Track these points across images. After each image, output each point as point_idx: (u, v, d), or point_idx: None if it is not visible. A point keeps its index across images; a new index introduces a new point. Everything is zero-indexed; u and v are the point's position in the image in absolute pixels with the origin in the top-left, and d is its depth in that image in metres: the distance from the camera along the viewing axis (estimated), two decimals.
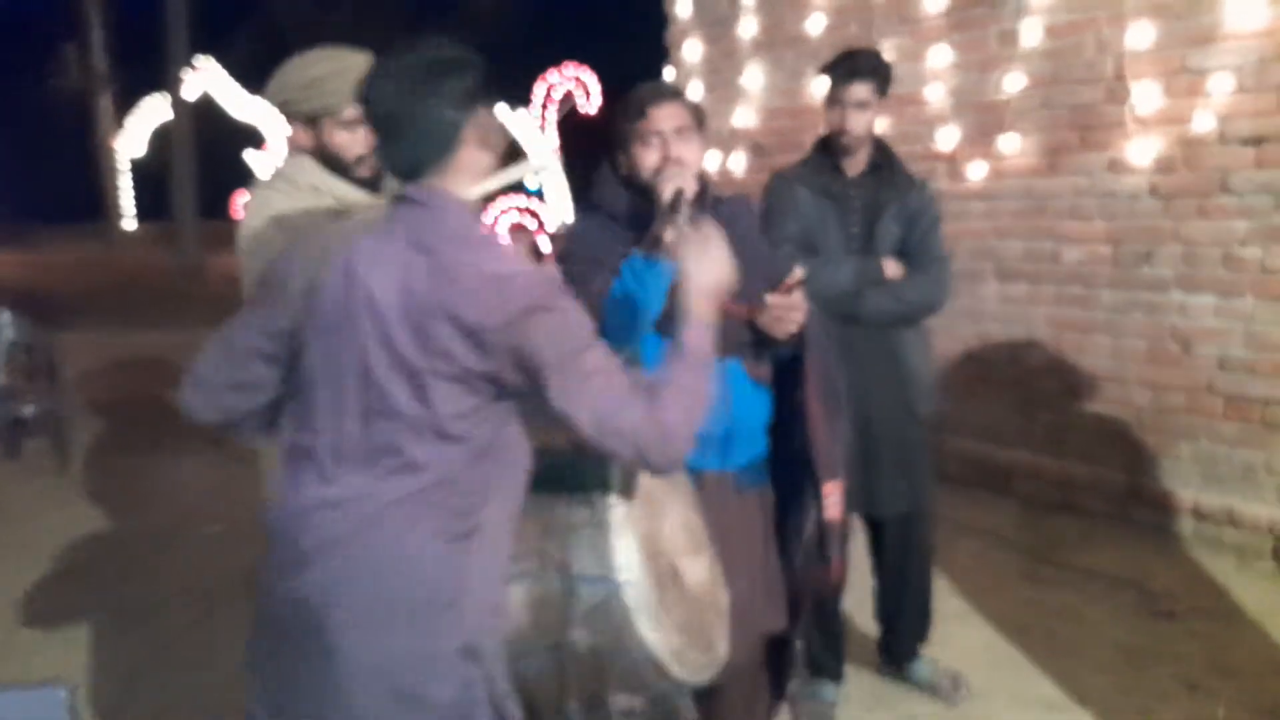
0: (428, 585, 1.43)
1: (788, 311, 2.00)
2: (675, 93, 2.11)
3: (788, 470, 2.17)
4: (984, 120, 4.56)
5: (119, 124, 18.18)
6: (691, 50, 6.22)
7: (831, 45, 5.30)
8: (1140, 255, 4.06)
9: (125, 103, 18.11)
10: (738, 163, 6.02)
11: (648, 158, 2.04)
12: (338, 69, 2.09)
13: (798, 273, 2.01)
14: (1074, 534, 4.16)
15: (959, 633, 3.27)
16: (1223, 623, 3.36)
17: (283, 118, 2.23)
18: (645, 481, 1.71)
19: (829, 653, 2.90)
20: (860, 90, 2.63)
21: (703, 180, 2.09)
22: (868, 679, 3.05)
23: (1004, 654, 3.20)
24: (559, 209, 9.28)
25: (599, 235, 2.11)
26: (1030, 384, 4.52)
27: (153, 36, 15.86)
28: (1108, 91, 4.08)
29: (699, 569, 1.71)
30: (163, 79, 16.41)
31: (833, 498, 2.12)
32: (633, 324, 1.93)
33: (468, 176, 1.54)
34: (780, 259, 2.23)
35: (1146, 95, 3.95)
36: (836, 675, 2.93)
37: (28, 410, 5.37)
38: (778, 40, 5.66)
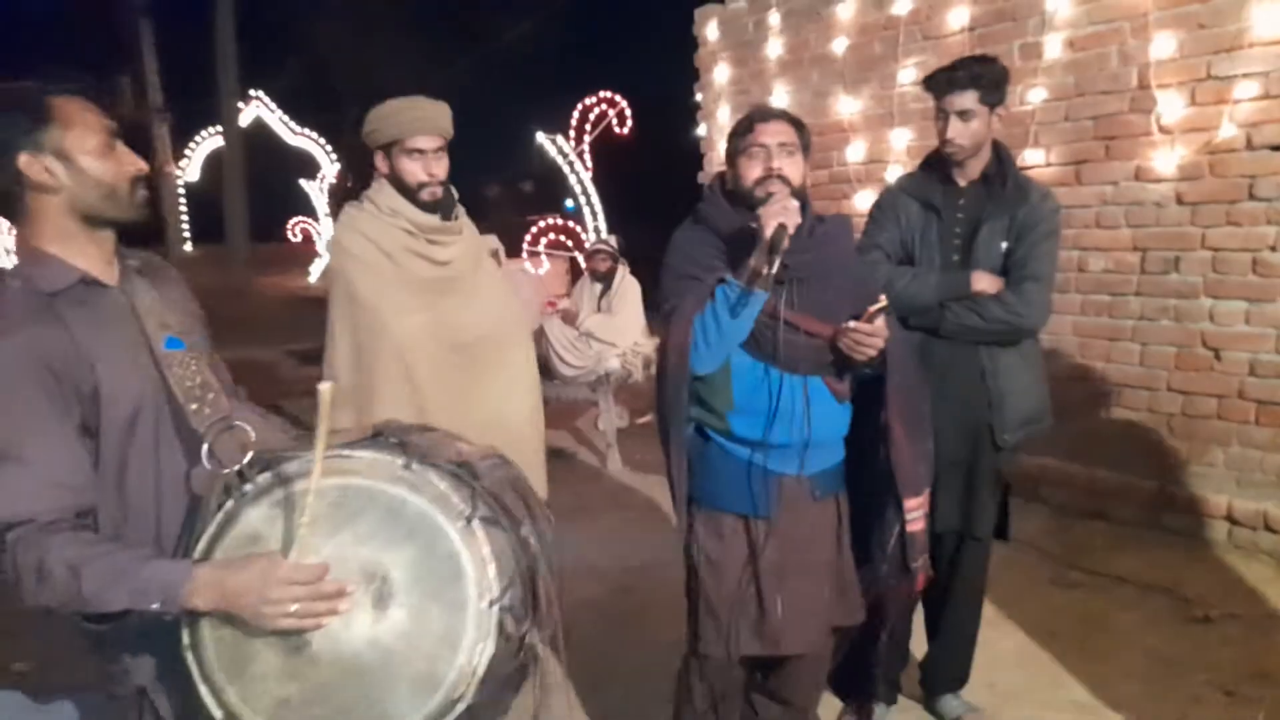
0: None
1: (867, 338, 2.01)
2: (784, 114, 2.14)
3: (871, 484, 2.20)
4: (1009, 133, 4.50)
5: (176, 153, 18.57)
6: (720, 72, 6.23)
7: (856, 64, 5.30)
8: (1168, 262, 3.99)
9: (181, 132, 18.51)
10: None
11: (751, 170, 2.09)
12: (409, 105, 2.45)
13: (881, 301, 2.00)
14: (1104, 541, 4.08)
15: (991, 637, 3.19)
16: (1260, 628, 3.25)
17: (370, 149, 2.52)
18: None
19: (885, 674, 2.82)
20: (960, 100, 2.47)
21: (802, 202, 2.06)
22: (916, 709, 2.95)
23: (1034, 659, 3.14)
24: (594, 229, 9.33)
25: (699, 250, 2.15)
26: (1058, 392, 4.35)
27: (205, 69, 16.19)
28: (1132, 102, 4.03)
29: (364, 626, 1.29)
30: (215, 109, 16.75)
31: (916, 512, 2.16)
32: (720, 344, 2.03)
33: (51, 226, 1.46)
34: (872, 282, 2.20)
35: (1171, 104, 3.89)
36: (889, 698, 2.87)
37: None
38: (804, 60, 5.65)
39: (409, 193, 2.48)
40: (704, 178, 6.55)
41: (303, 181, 15.37)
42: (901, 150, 5.07)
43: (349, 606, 1.30)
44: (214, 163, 17.80)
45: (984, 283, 2.52)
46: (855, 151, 5.38)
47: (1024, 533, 4.13)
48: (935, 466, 2.57)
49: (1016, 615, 3.41)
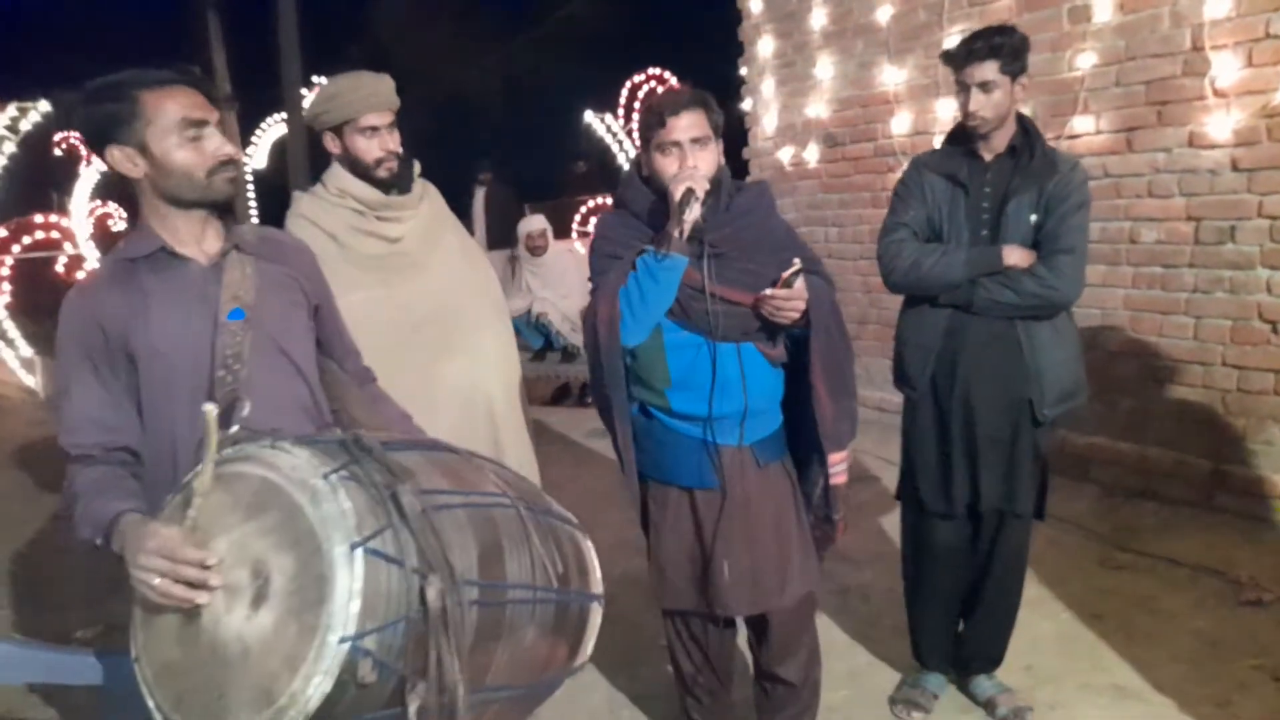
0: None
1: (785, 302, 2.05)
2: (693, 101, 2.11)
3: (803, 443, 2.26)
4: (1057, 100, 4.33)
5: (243, 140, 18.94)
6: (764, 45, 6.11)
7: (900, 34, 5.14)
8: (1223, 232, 3.79)
9: (247, 120, 18.87)
10: (812, 154, 5.89)
11: (667, 166, 2.10)
12: (355, 84, 2.40)
13: (795, 264, 2.04)
14: (1155, 521, 3.92)
15: (1030, 619, 3.09)
16: None
17: (318, 132, 2.49)
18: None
19: (935, 645, 2.80)
20: (980, 71, 2.39)
21: (718, 176, 2.12)
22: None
23: (1077, 640, 3.04)
24: None
25: (622, 232, 2.20)
26: (1109, 369, 4.27)
27: (270, 58, 16.46)
28: (1185, 65, 3.82)
29: (239, 618, 1.25)
30: (280, 97, 17.03)
31: (839, 466, 2.19)
32: (644, 312, 2.08)
33: (147, 205, 1.67)
34: (796, 246, 2.20)
35: (1226, 66, 3.68)
36: (944, 669, 2.82)
37: None
38: (847, 30, 5.51)
39: (365, 171, 2.44)
40: (748, 153, 6.44)
41: None
42: (948, 121, 4.89)
43: (208, 599, 1.28)
44: (280, 150, 18.11)
45: (1015, 256, 2.44)
46: (900, 124, 5.23)
47: (1072, 513, 4.02)
48: (974, 444, 2.55)
49: (1061, 596, 3.31)
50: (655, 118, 2.10)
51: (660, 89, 10.26)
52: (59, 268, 9.88)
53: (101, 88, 1.60)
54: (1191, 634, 3.03)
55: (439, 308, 2.54)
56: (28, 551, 4.43)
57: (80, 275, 9.73)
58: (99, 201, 10.31)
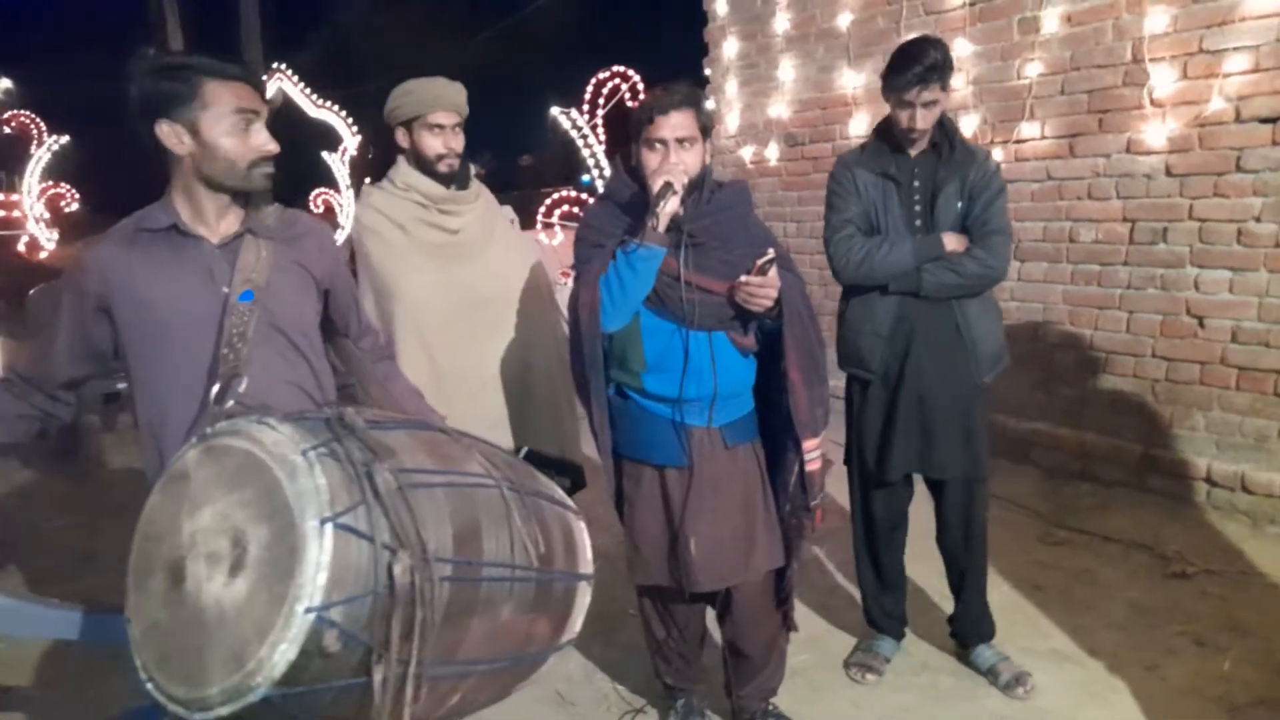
0: None
1: (759, 289, 2.10)
2: (684, 101, 2.14)
3: (776, 431, 2.30)
4: (1005, 107, 4.52)
5: None
6: (729, 46, 6.22)
7: (860, 39, 5.29)
8: (1156, 233, 4.00)
9: None
10: (773, 152, 6.03)
11: (650, 161, 2.14)
12: (429, 84, 2.58)
13: (769, 254, 2.10)
14: (1091, 501, 4.13)
15: None
16: (1235, 584, 3.31)
17: (392, 126, 2.63)
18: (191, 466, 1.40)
19: (886, 610, 2.92)
20: (928, 93, 2.51)
21: (701, 172, 2.15)
22: (926, 648, 3.01)
23: (1018, 610, 3.20)
24: None
25: (605, 222, 2.25)
26: (1049, 359, 4.48)
27: (229, 41, 16.15)
28: (1125, 75, 4.02)
29: (219, 585, 1.28)
30: None
31: (814, 453, 2.24)
32: (624, 300, 2.11)
33: (179, 180, 1.75)
34: (769, 241, 2.27)
35: (1163, 78, 3.88)
36: (896, 633, 2.94)
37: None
38: (810, 34, 5.64)
39: (427, 165, 2.59)
40: (711, 151, 6.54)
41: (325, 154, 15.36)
42: None
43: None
44: None
45: (953, 242, 2.62)
46: (858, 125, 5.38)
47: (1014, 493, 4.21)
48: (932, 419, 2.67)
49: (1004, 570, 3.46)
50: (646, 114, 2.14)
51: (625, 87, 10.30)
52: (20, 247, 9.67)
53: (167, 66, 1.66)
54: (1124, 603, 3.21)
55: (492, 294, 2.69)
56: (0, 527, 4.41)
57: (42, 256, 9.54)
58: (50, 181, 10.10)
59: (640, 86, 9.93)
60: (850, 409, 2.85)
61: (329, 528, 1.23)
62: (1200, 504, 3.94)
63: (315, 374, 1.86)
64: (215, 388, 1.61)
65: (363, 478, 1.30)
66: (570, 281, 2.37)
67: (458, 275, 2.64)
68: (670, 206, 2.04)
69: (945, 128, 2.65)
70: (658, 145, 2.13)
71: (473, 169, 2.81)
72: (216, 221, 1.73)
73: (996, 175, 2.66)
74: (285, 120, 16.65)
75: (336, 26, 17.68)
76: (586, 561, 1.63)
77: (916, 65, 2.50)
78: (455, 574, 1.36)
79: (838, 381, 2.84)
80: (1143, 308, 4.11)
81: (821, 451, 2.28)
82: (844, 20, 5.36)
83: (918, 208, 2.66)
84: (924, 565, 3.06)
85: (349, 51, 17.85)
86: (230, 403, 1.53)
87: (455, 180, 2.66)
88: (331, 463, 1.30)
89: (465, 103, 2.63)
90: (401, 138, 2.63)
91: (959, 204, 2.63)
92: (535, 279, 2.84)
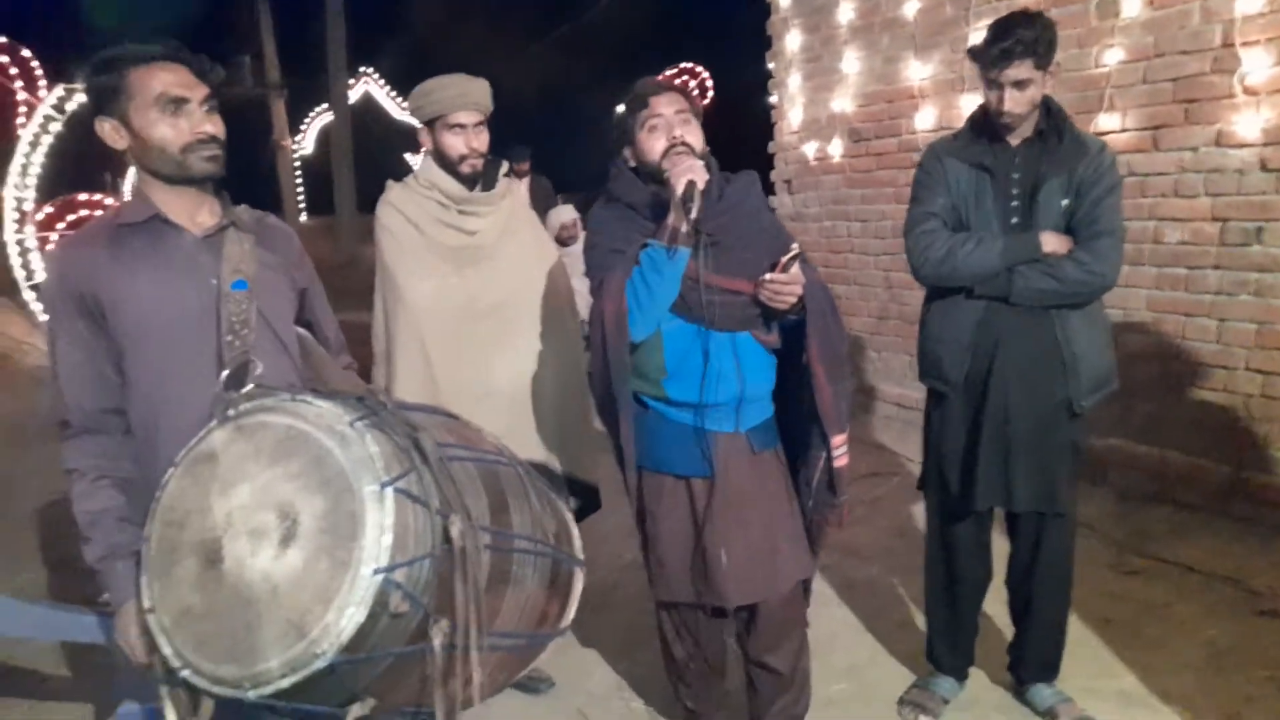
0: None
1: (784, 286, 2.02)
2: (671, 84, 2.15)
3: (799, 428, 2.21)
4: (1082, 97, 4.17)
5: (292, 128, 19.10)
6: (792, 39, 5.98)
7: (927, 29, 4.99)
8: (1249, 233, 3.62)
9: (296, 108, 19.03)
10: (836, 148, 5.76)
11: (655, 143, 2.09)
12: (450, 83, 2.49)
13: (794, 249, 2.02)
14: (1169, 527, 3.77)
15: None
16: None
17: (415, 123, 2.60)
18: (219, 446, 1.41)
19: (951, 647, 2.69)
20: (1015, 71, 2.24)
21: (708, 166, 2.09)
22: (977, 680, 2.77)
23: (1084, 644, 2.92)
24: None
25: (619, 225, 2.16)
26: (1128, 370, 4.03)
27: (319, 48, 16.61)
28: (1214, 62, 3.65)
29: (266, 559, 1.28)
30: (327, 86, 17.17)
31: (841, 448, 2.14)
32: (652, 306, 2.04)
33: (139, 176, 1.69)
34: (785, 233, 2.16)
35: (1257, 63, 3.50)
36: (959, 674, 2.72)
37: None
38: (874, 25, 5.36)
39: (450, 165, 2.51)
40: (774, 147, 6.32)
41: (407, 155, 15.63)
42: None
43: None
44: (327, 137, 18.23)
45: (1053, 243, 2.31)
46: (925, 119, 5.08)
47: (1085, 516, 3.83)
48: (1009, 443, 2.40)
49: (1071, 601, 3.18)
50: (639, 102, 2.11)
51: (693, 84, 10.13)
52: None
53: (97, 62, 1.61)
54: (1202, 643, 2.91)
55: (502, 303, 2.57)
56: (52, 518, 4.46)
57: None
58: None
59: (709, 82, 9.76)
60: (929, 426, 2.60)
61: (389, 491, 1.26)
62: None
63: (297, 373, 1.81)
64: (225, 374, 1.57)
65: (411, 446, 1.34)
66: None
67: (470, 280, 2.54)
68: (698, 204, 1.97)
69: (1054, 114, 2.35)
70: (657, 121, 2.09)
71: (504, 166, 2.71)
72: (192, 216, 1.68)
73: (1111, 169, 2.32)
74: (372, 123, 17.01)
75: (415, 33, 18.01)
76: (579, 550, 1.72)
77: (1003, 40, 2.24)
78: (493, 543, 1.41)
79: (919, 393, 2.61)
80: (1235, 315, 3.72)
81: (847, 447, 2.17)
82: (910, 9, 5.06)
83: (1015, 204, 2.37)
84: None
85: (430, 56, 18.13)
86: (250, 385, 1.52)
87: (480, 180, 2.57)
88: (378, 433, 1.33)
89: (489, 99, 2.53)
90: (425, 138, 2.56)
91: (1064, 201, 2.32)
92: (554, 286, 2.69)
